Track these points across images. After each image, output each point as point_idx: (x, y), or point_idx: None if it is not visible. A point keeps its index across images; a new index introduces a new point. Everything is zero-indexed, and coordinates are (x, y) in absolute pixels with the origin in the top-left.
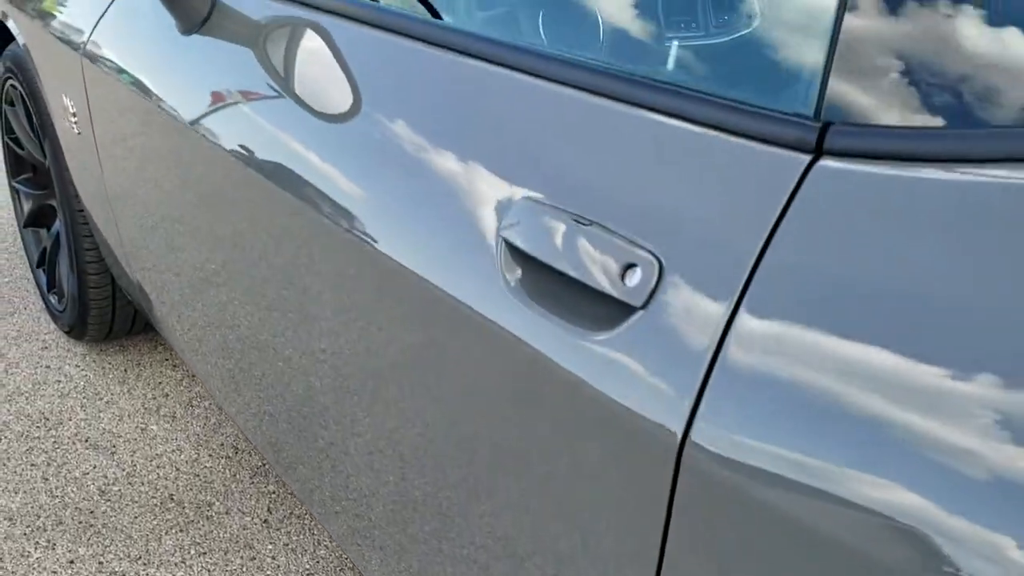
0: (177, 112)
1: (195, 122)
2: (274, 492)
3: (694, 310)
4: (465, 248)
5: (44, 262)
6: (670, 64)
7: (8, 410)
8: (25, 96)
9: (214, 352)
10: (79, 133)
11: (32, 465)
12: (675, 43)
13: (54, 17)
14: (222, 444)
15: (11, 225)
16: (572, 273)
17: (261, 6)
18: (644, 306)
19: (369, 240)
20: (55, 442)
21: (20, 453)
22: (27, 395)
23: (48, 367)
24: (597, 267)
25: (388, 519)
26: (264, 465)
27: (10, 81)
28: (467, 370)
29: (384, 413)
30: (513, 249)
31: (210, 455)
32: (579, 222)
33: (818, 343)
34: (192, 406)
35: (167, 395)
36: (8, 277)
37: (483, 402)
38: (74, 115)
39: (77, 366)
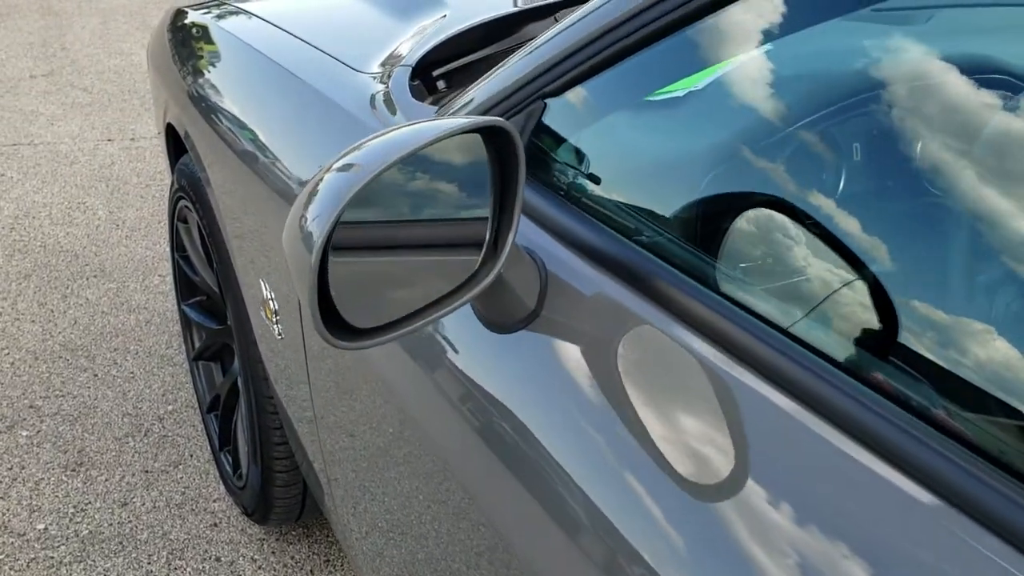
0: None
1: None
2: None
3: None
4: None
5: (216, 407)
6: None
7: None
8: (202, 229)
9: None
10: (280, 337)
11: None
12: None
13: (257, 176)
14: None
15: (176, 324)
16: None
17: (607, 315)
18: None
19: None
20: None
21: None
22: None
23: (218, 560)
24: None
25: None
26: None
27: (183, 201)
28: None
29: None
30: None
31: None
32: None
33: None
34: None
35: None
36: (172, 403)
37: None
38: (276, 313)
39: (252, 559)
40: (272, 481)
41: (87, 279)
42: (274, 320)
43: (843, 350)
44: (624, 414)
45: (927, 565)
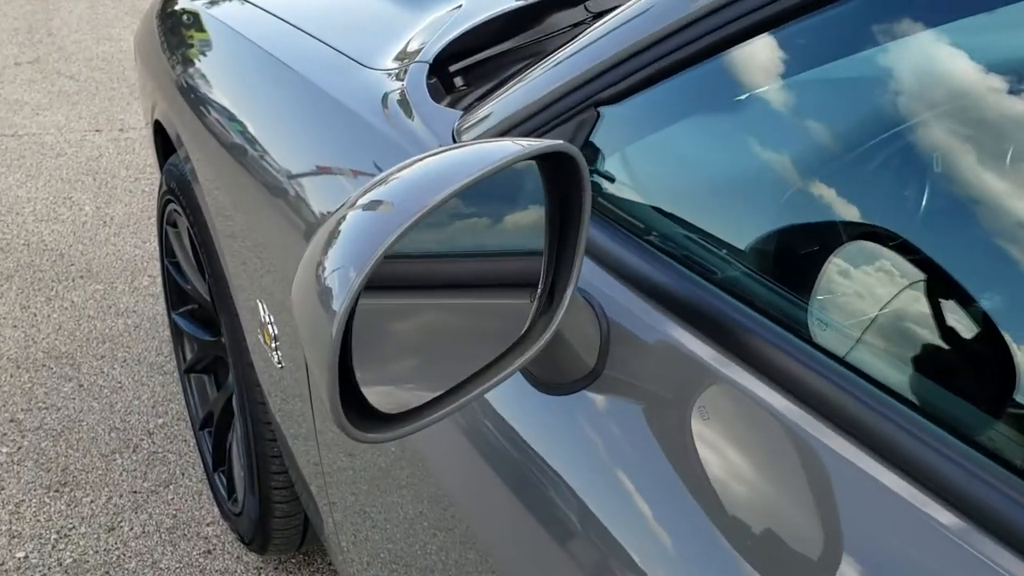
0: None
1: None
2: None
3: None
4: None
5: (210, 424)
6: None
7: None
8: (193, 236)
9: None
10: (281, 366)
11: None
12: None
13: (251, 178)
14: None
15: (167, 329)
16: None
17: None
18: None
19: None
20: None
21: None
22: None
23: None
24: None
25: None
26: None
27: (172, 205)
28: None
29: None
30: None
31: None
32: None
33: None
34: None
35: None
36: (163, 416)
37: None
38: (275, 339)
39: None
40: (271, 512)
41: (73, 280)
42: (273, 347)
43: (968, 416)
44: (700, 491)
45: None
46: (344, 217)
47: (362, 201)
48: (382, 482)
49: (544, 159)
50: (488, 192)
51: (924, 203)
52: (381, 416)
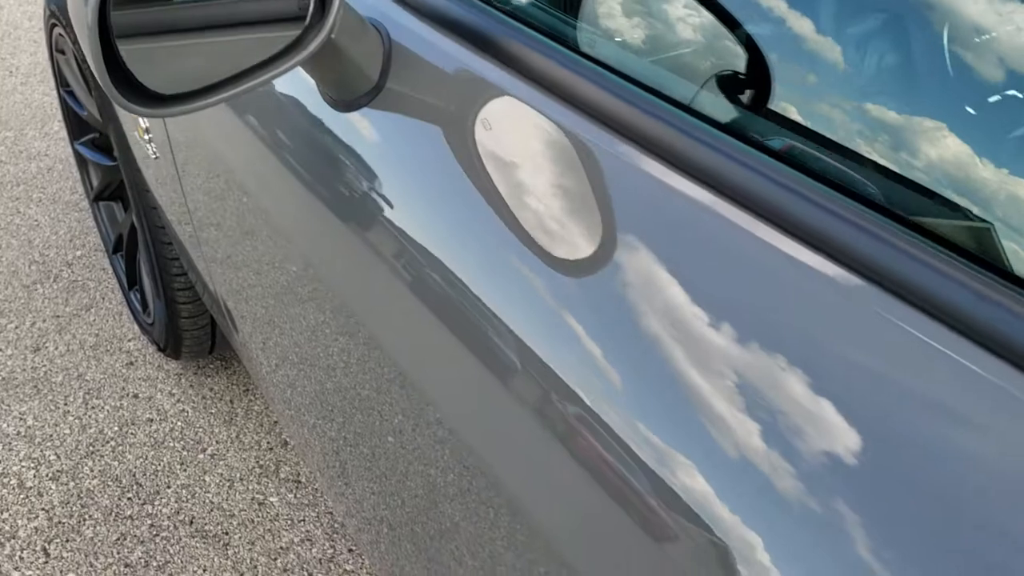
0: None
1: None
2: None
3: None
4: None
5: (121, 247)
6: None
7: (92, 469)
8: (77, 56)
9: (308, 409)
10: (156, 156)
11: (127, 566)
12: None
13: None
14: None
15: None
16: None
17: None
18: None
19: None
20: (152, 525)
21: (111, 544)
22: (113, 444)
23: (136, 396)
24: None
25: None
26: None
27: (57, 29)
28: None
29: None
30: None
31: (351, 550)
32: None
33: None
34: None
35: (286, 443)
36: (80, 248)
37: None
38: (147, 131)
39: (171, 394)
40: (177, 313)
41: None
42: (147, 139)
43: (716, 106)
44: (483, 186)
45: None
46: None
47: None
48: (286, 297)
49: None
50: None
51: None
52: (156, 96)
